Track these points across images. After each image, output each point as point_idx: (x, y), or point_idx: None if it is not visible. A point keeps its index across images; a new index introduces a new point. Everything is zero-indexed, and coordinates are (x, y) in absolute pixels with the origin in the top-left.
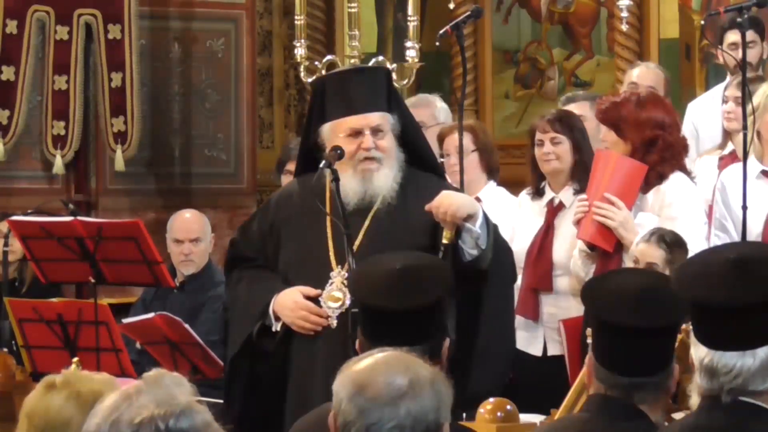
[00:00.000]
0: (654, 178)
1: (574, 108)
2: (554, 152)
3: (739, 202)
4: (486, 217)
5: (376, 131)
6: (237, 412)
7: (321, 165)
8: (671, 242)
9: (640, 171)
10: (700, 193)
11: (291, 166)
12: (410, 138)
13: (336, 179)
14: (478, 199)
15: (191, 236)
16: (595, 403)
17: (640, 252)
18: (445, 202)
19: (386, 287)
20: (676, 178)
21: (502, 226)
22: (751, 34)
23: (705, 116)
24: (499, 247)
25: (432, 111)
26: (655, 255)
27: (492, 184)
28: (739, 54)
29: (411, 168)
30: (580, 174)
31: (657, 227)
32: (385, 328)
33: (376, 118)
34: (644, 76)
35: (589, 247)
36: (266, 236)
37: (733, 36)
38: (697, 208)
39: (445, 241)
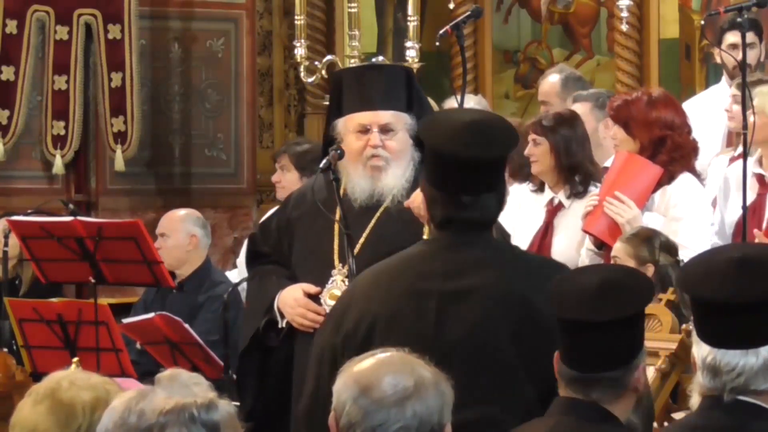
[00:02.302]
0: (662, 178)
1: (577, 107)
2: (534, 154)
3: (732, 200)
4: None
5: (385, 130)
6: (249, 406)
7: (321, 165)
8: (645, 240)
9: (656, 174)
10: (708, 195)
11: (283, 161)
12: None
13: (336, 179)
14: None
15: (159, 230)
16: (561, 405)
17: (615, 249)
18: (419, 197)
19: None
20: (684, 179)
21: (519, 224)
22: (750, 36)
23: (697, 117)
24: None
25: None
26: (630, 253)
27: (517, 185)
28: (738, 54)
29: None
30: (573, 177)
31: (640, 227)
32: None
33: (386, 116)
34: (546, 93)
35: (597, 246)
36: (282, 233)
37: (732, 37)
38: (703, 209)
39: (425, 237)
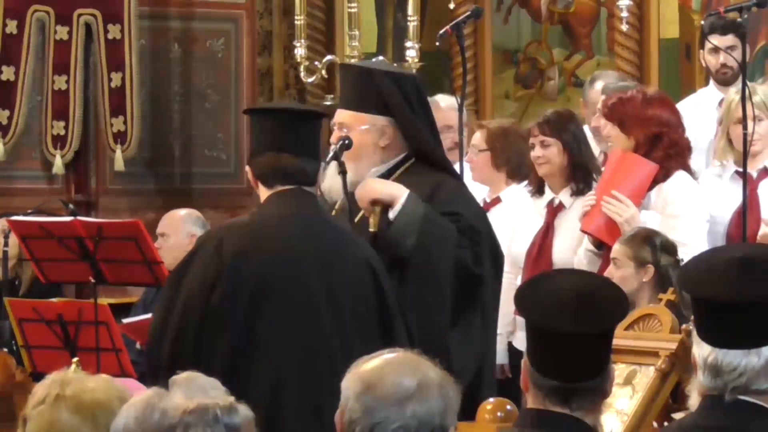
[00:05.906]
0: (658, 175)
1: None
2: (544, 155)
3: (714, 203)
4: (412, 205)
5: (342, 128)
6: None
7: (328, 158)
8: (644, 241)
9: (651, 171)
10: (703, 193)
11: None
12: (414, 141)
13: (343, 172)
14: (498, 199)
15: (159, 230)
16: (538, 419)
17: (614, 251)
18: (358, 190)
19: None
20: (678, 176)
21: (519, 225)
22: (731, 39)
23: (687, 118)
24: (434, 240)
25: (443, 114)
26: (629, 254)
27: (515, 185)
28: (720, 58)
29: (416, 166)
30: (577, 175)
31: (639, 227)
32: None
33: (343, 115)
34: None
35: (596, 246)
36: None
37: (714, 40)
38: (698, 207)
39: (371, 229)
